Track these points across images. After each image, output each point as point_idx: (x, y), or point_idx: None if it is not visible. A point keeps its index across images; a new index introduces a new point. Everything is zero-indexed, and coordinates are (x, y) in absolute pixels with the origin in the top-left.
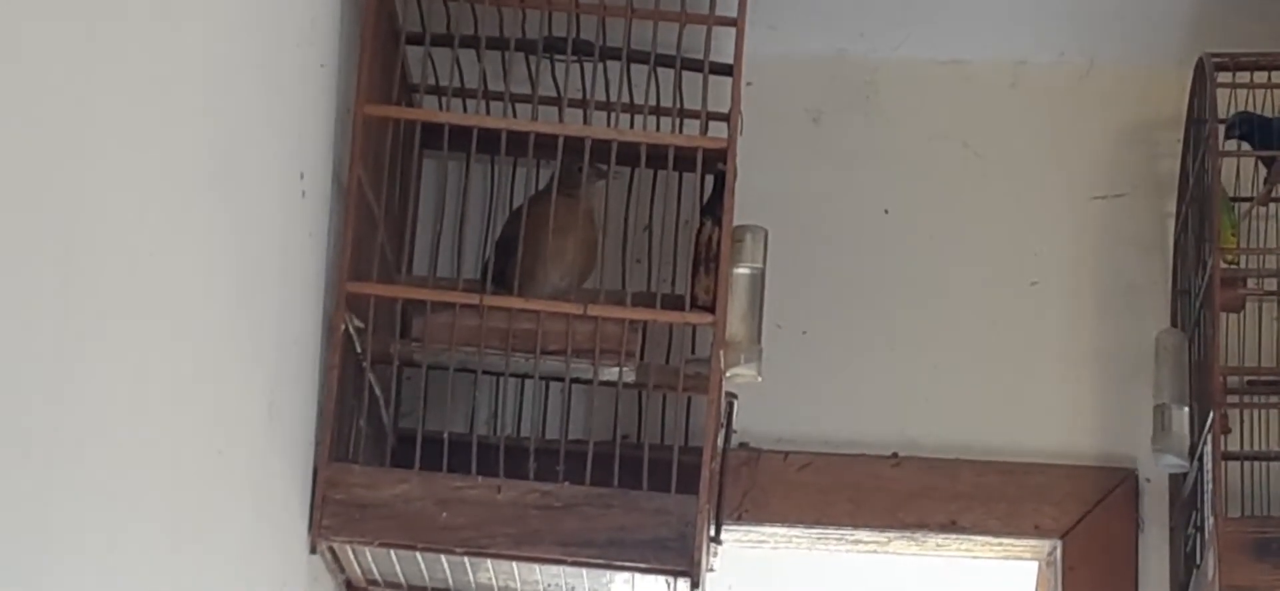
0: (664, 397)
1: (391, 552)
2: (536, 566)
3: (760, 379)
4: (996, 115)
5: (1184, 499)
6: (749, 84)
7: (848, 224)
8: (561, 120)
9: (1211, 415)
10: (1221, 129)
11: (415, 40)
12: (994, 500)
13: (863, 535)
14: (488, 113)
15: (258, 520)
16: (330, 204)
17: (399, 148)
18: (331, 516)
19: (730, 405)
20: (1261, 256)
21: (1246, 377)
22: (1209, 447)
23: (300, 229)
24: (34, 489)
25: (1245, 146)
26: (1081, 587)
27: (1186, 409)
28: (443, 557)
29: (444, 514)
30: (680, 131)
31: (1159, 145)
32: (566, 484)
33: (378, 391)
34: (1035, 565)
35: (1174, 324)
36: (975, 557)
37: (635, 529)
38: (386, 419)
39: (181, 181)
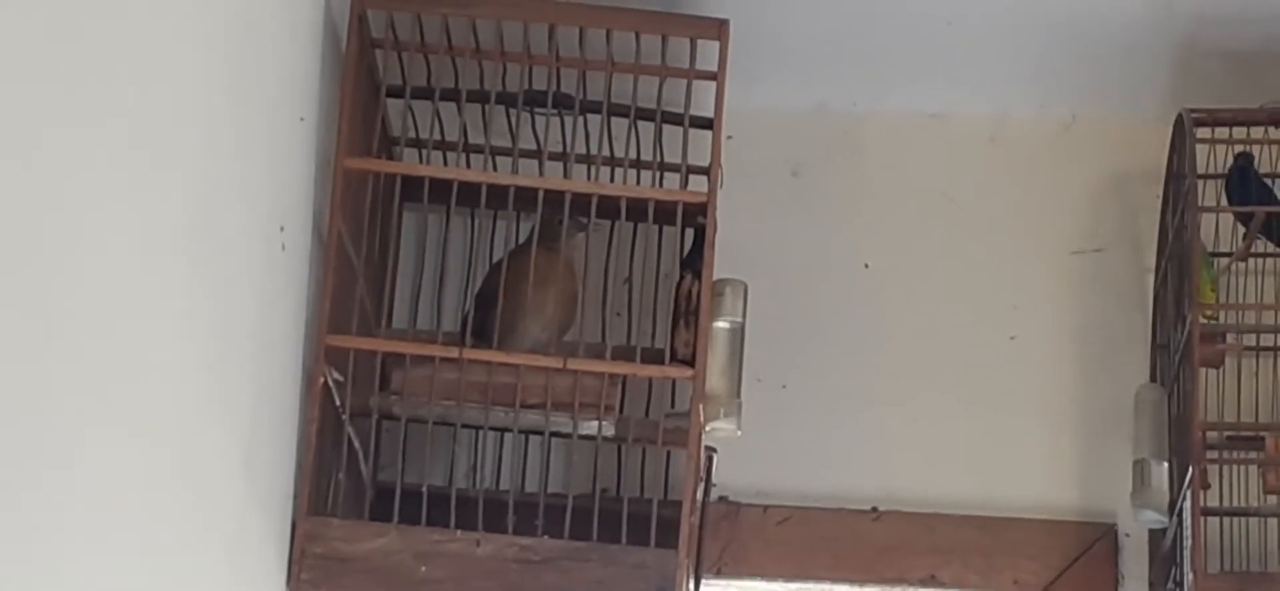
0: (643, 451)
1: None
2: None
3: (740, 432)
4: (976, 169)
5: (1163, 554)
6: (729, 137)
7: (828, 277)
8: (542, 173)
9: (1191, 470)
10: (1202, 184)
11: (395, 93)
12: (973, 554)
13: (842, 589)
14: (468, 166)
15: (236, 573)
16: (310, 257)
17: (379, 200)
18: (310, 570)
19: (710, 459)
20: (1240, 312)
21: (1226, 433)
22: (1188, 503)
23: (280, 282)
24: (10, 547)
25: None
26: None
27: (1166, 464)
28: None
29: (423, 568)
30: (660, 185)
31: (1138, 200)
32: (545, 538)
33: (357, 444)
34: None
35: (1153, 379)
36: None
37: (614, 583)
38: (365, 472)
39: (161, 235)
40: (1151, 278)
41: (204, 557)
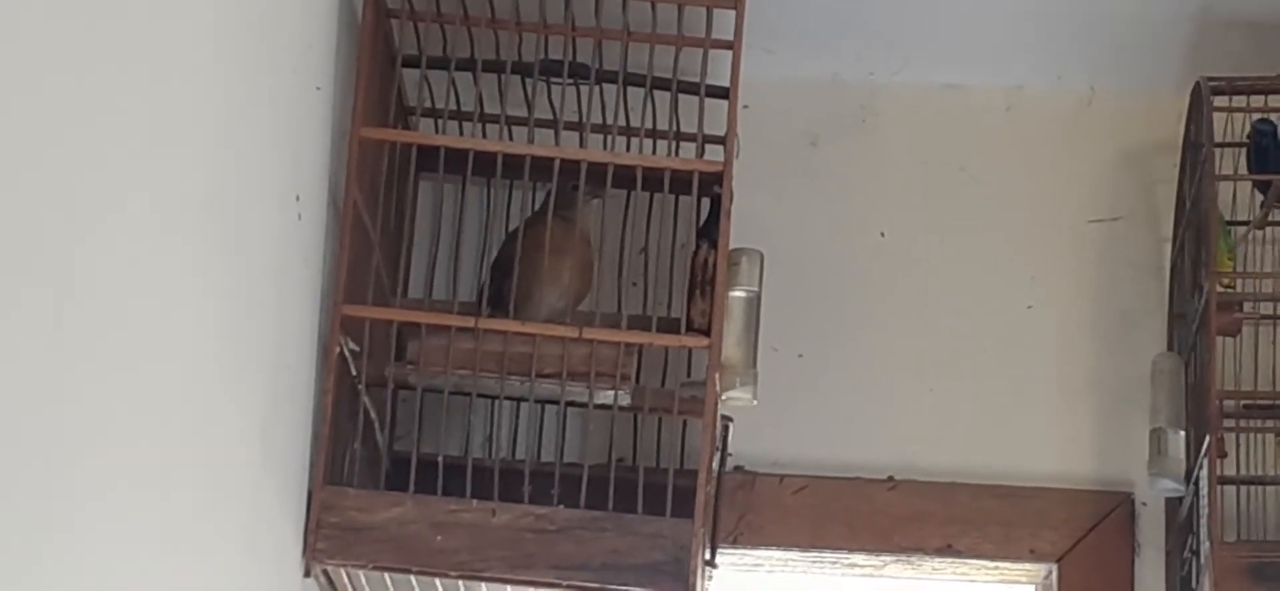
0: (659, 421)
1: (386, 576)
2: (531, 590)
3: (756, 402)
4: (993, 139)
5: (1180, 523)
6: (745, 107)
7: (844, 247)
8: (558, 143)
9: (1207, 439)
10: (1219, 152)
11: (411, 63)
12: (990, 524)
13: (858, 559)
14: (484, 135)
15: (252, 543)
16: (326, 226)
17: (395, 170)
18: (326, 539)
19: (726, 428)
20: (1258, 281)
21: (1243, 402)
22: (1205, 471)
23: (296, 252)
24: (23, 516)
25: (1245, 166)
26: None
27: (1182, 433)
28: (437, 581)
29: (439, 537)
30: (676, 154)
31: (1155, 169)
32: (561, 507)
33: (373, 414)
34: (1031, 589)
35: (1170, 348)
36: (971, 581)
37: (630, 552)
38: (381, 442)
39: (176, 205)
40: (1169, 247)
41: (219, 527)
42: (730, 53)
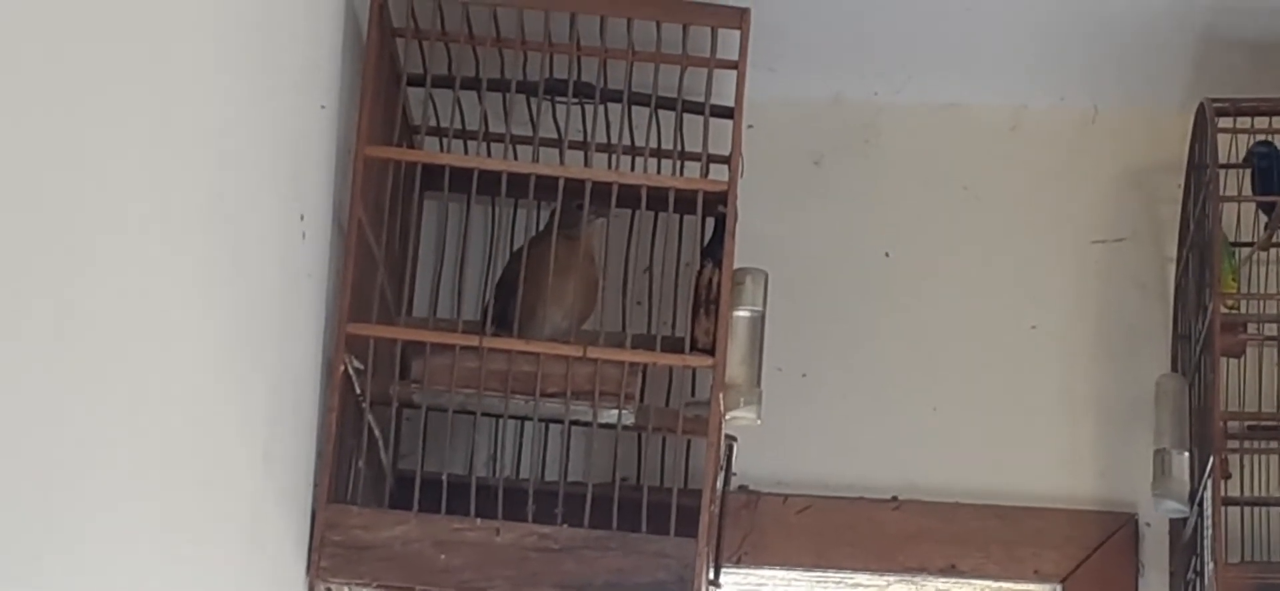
0: (663, 440)
1: None
2: None
3: (760, 422)
4: (997, 159)
5: (1184, 544)
6: (750, 127)
7: (848, 267)
8: (562, 162)
9: (1212, 460)
10: (1223, 173)
11: (416, 82)
12: (994, 544)
13: (862, 579)
14: (489, 154)
15: (255, 561)
16: (330, 245)
17: (400, 189)
18: (330, 558)
19: (730, 448)
20: (1262, 302)
21: (1247, 423)
22: (1209, 493)
23: (300, 270)
24: (24, 536)
25: (1249, 188)
26: None
27: (1187, 454)
28: None
29: (443, 556)
30: (681, 174)
31: (1159, 190)
32: (565, 526)
33: (377, 433)
34: None
35: (1174, 368)
36: None
37: (634, 572)
38: (385, 460)
39: (181, 223)
40: (1173, 267)
41: (223, 545)
42: (734, 72)
